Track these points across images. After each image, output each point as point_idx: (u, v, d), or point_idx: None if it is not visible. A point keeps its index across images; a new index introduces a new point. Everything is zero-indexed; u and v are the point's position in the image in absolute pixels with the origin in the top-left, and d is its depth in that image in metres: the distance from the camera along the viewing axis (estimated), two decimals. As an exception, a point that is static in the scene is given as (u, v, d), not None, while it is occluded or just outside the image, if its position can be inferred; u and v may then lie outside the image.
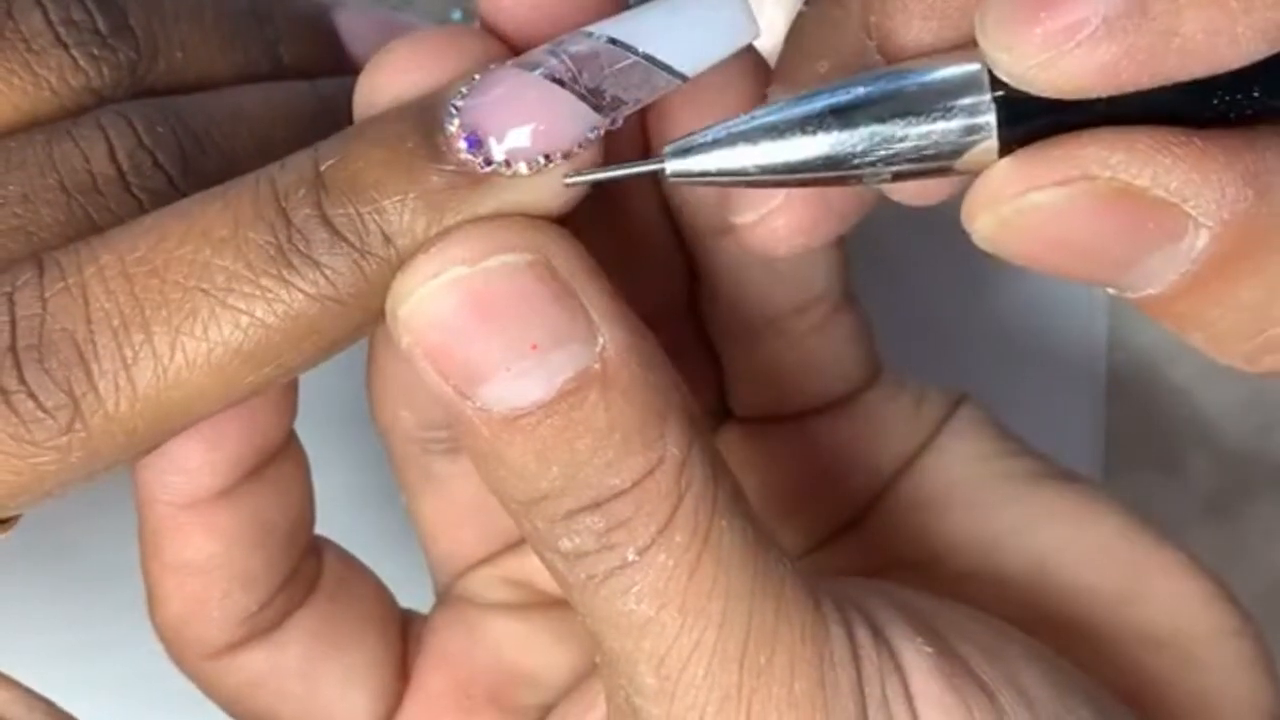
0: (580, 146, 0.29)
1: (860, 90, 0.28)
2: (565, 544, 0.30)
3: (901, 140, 0.28)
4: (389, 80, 0.30)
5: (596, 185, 0.30)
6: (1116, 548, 0.37)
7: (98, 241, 0.30)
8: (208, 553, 0.33)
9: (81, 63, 0.33)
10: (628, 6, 0.31)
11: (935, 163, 0.28)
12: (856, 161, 0.28)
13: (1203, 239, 0.28)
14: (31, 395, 0.29)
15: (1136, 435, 0.50)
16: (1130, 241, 0.28)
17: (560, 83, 0.29)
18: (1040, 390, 0.49)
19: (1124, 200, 0.28)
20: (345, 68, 0.39)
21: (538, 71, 0.29)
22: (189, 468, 0.32)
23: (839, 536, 0.39)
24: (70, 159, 0.32)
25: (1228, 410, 0.50)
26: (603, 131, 0.29)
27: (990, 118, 0.28)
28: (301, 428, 0.34)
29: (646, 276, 0.36)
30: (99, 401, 0.29)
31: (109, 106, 0.33)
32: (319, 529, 0.36)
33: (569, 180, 0.29)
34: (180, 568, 0.33)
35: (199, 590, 0.33)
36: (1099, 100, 0.27)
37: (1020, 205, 0.28)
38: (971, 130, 0.28)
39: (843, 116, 0.28)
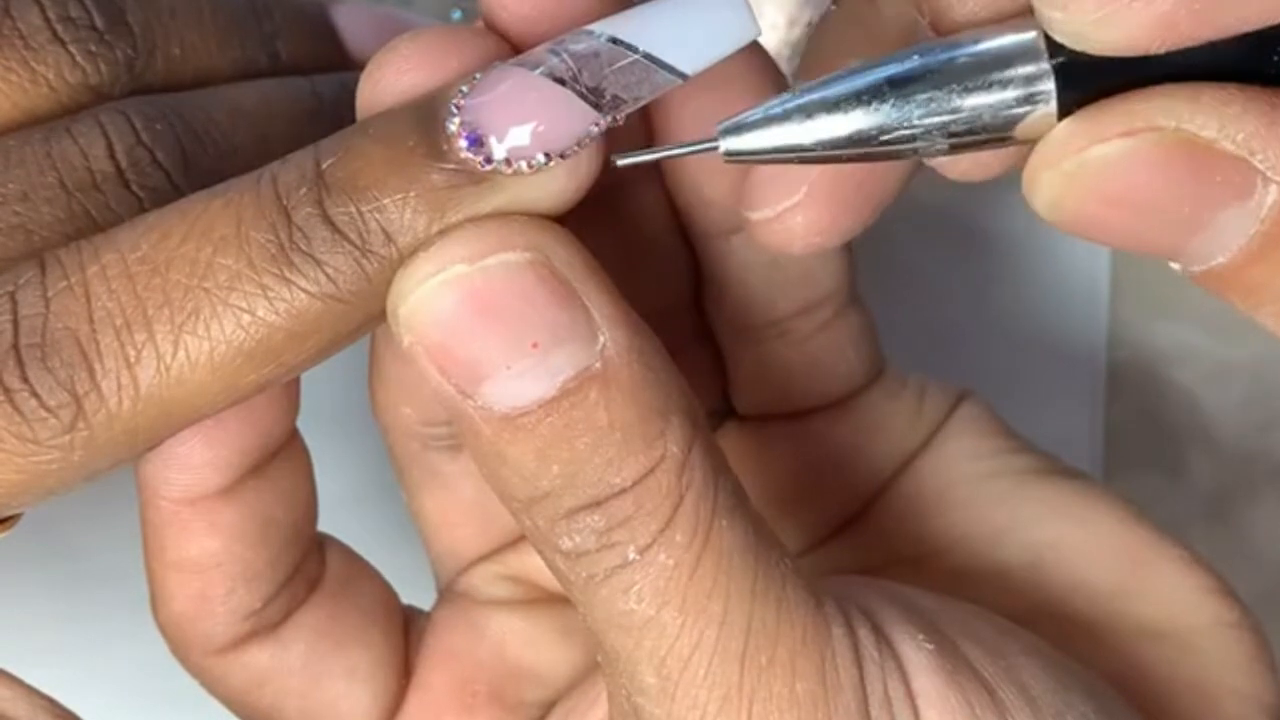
0: (580, 145, 0.29)
1: (917, 60, 0.28)
2: (566, 543, 0.30)
3: (959, 110, 0.28)
4: (391, 80, 0.30)
5: (610, 174, 0.30)
6: (1115, 542, 0.37)
7: (100, 240, 0.30)
8: (211, 550, 0.33)
9: (79, 60, 0.33)
10: (629, 5, 0.31)
11: (993, 133, 0.28)
12: (914, 133, 0.28)
13: (1272, 195, 0.27)
14: (34, 394, 0.29)
15: (1136, 435, 0.50)
16: (1198, 198, 0.27)
17: (561, 81, 0.29)
18: (1040, 390, 0.49)
19: (1191, 153, 0.27)
20: (344, 64, 0.39)
21: (539, 70, 0.29)
22: (192, 465, 0.32)
23: (840, 533, 0.39)
24: (69, 156, 0.32)
25: (1228, 410, 0.50)
26: (603, 130, 0.29)
27: (1049, 85, 0.28)
28: (302, 426, 0.34)
29: (650, 275, 0.36)
30: (101, 400, 0.29)
31: (107, 104, 0.33)
32: (320, 527, 0.36)
33: (621, 162, 0.29)
34: (184, 565, 0.33)
35: (203, 587, 0.33)
36: (1156, 61, 0.27)
37: (1084, 159, 0.27)
38: (1029, 99, 0.28)
39: (900, 88, 0.28)
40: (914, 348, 0.42)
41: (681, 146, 0.30)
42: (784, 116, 0.29)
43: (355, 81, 0.31)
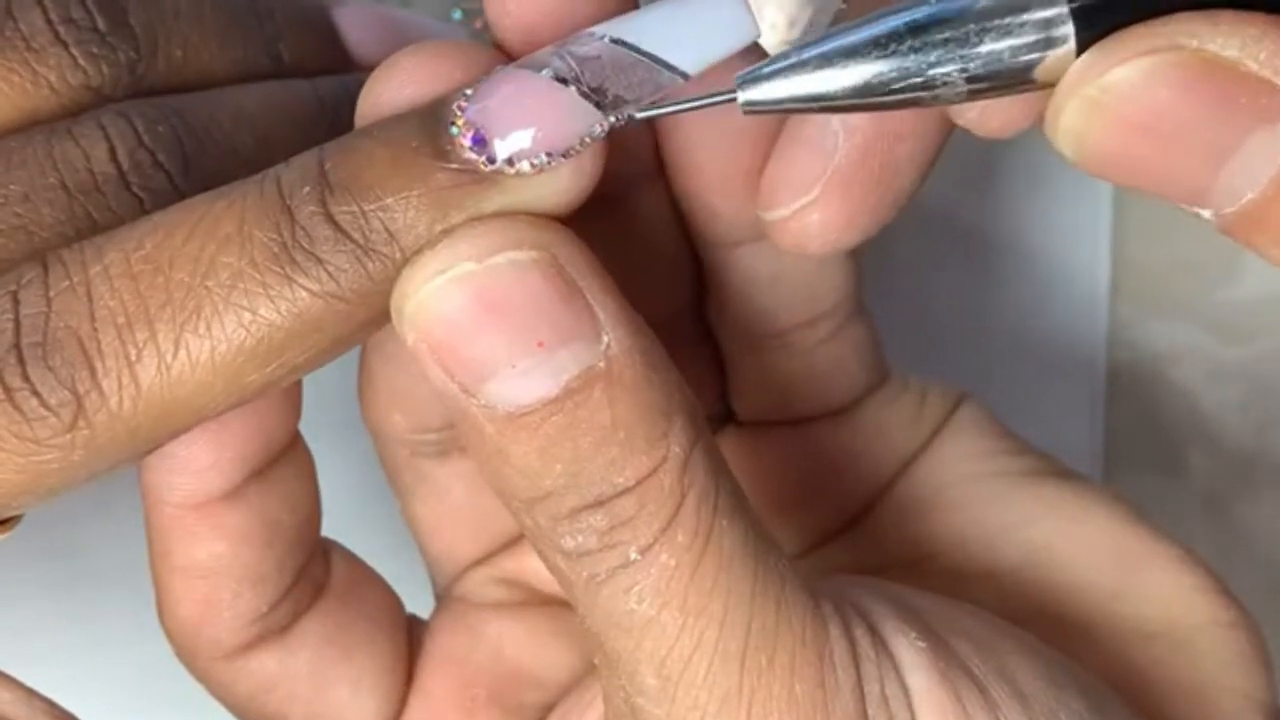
0: (583, 145, 0.29)
1: (936, 6, 0.28)
2: (568, 542, 0.30)
3: (977, 54, 0.27)
4: (393, 93, 0.30)
5: (611, 180, 0.30)
6: (1111, 542, 0.37)
7: (103, 240, 0.30)
8: (216, 554, 0.33)
9: (81, 61, 0.33)
10: (635, 6, 0.31)
11: (1013, 76, 0.28)
12: (933, 78, 0.28)
13: None
14: (35, 393, 0.29)
15: (1136, 435, 0.50)
16: (1224, 122, 0.26)
17: (564, 82, 0.29)
18: (1040, 390, 0.49)
19: (1214, 74, 0.26)
20: (345, 65, 0.39)
21: (542, 73, 0.29)
22: (195, 469, 0.32)
23: (838, 536, 0.39)
24: (71, 158, 0.32)
25: (1228, 410, 0.50)
26: (606, 130, 0.29)
27: (1068, 26, 0.27)
28: (302, 428, 0.34)
29: (652, 281, 0.36)
30: (102, 399, 0.29)
31: (109, 106, 0.33)
32: (323, 532, 0.36)
33: (640, 114, 0.29)
34: (190, 570, 0.33)
35: (209, 591, 0.33)
36: None
37: (1105, 83, 0.27)
38: (1048, 42, 0.27)
39: (919, 33, 0.27)
40: (913, 348, 0.42)
41: (700, 99, 0.29)
42: (802, 65, 0.28)
43: (356, 84, 0.32)
